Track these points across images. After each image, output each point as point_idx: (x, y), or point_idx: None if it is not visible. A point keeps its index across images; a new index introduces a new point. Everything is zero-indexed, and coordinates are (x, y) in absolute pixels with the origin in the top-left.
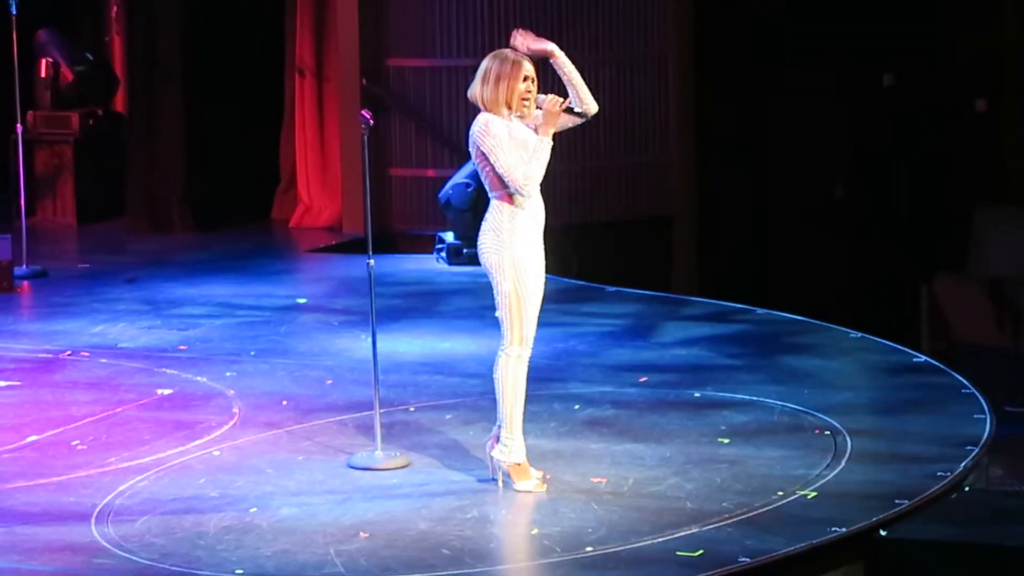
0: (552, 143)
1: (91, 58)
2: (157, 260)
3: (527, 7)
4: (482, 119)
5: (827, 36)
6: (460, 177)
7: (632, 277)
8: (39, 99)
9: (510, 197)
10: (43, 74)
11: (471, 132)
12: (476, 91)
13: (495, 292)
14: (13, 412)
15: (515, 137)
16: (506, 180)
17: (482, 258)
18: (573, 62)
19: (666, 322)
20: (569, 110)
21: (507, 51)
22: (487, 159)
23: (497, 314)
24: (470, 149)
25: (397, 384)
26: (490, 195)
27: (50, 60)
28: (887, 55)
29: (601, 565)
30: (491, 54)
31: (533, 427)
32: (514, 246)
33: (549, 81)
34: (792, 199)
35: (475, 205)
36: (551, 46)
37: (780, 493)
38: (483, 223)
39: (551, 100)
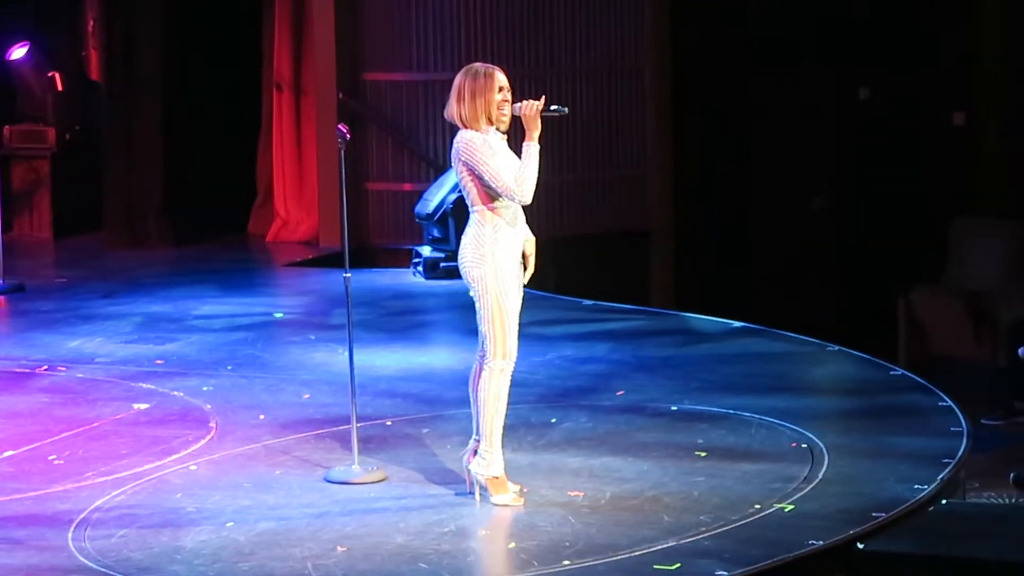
0: (540, 147)
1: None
2: (134, 274)
3: (504, 21)
4: (466, 136)
5: (804, 49)
6: (450, 191)
7: (609, 290)
8: (58, 114)
9: (493, 210)
10: (60, 87)
11: (455, 149)
12: (453, 110)
13: (477, 306)
14: None
15: (496, 152)
16: (497, 187)
17: (463, 272)
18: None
19: (643, 335)
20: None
21: (477, 65)
22: (473, 173)
23: (481, 328)
24: (454, 165)
25: (374, 398)
26: (471, 210)
27: (59, 74)
28: (864, 68)
29: None
30: (462, 71)
31: (510, 440)
32: (496, 259)
33: (526, 91)
34: (770, 211)
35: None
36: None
37: (757, 506)
38: (463, 237)
39: (527, 105)
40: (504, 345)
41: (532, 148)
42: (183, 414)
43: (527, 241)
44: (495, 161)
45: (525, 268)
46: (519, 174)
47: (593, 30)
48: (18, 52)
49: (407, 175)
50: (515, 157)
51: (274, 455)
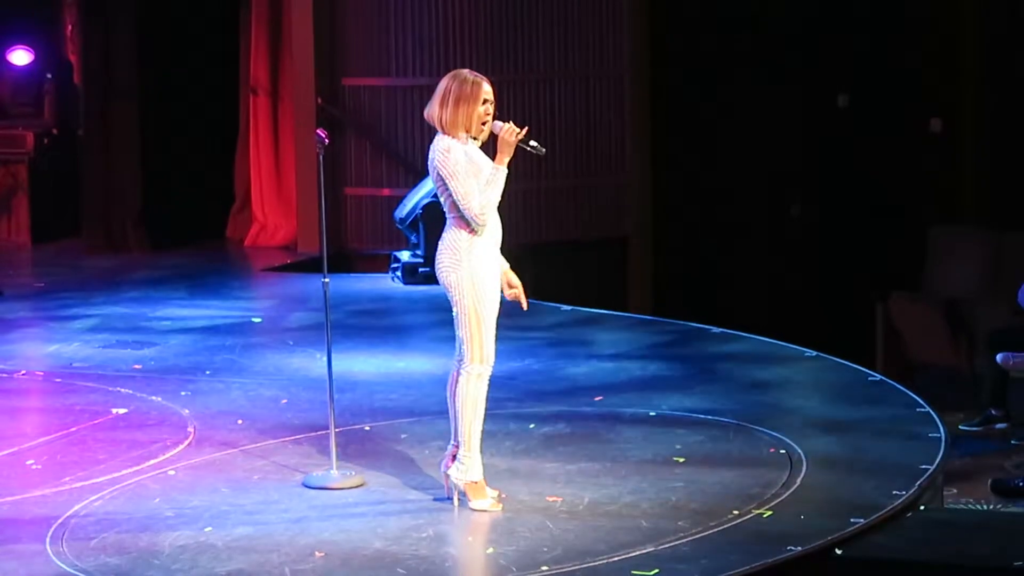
0: (507, 171)
1: None
2: (112, 279)
3: (483, 27)
4: (442, 145)
5: (783, 57)
6: (423, 197)
7: (587, 296)
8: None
9: (467, 222)
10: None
11: (431, 156)
12: (435, 112)
13: (454, 311)
14: None
15: (473, 161)
16: (462, 209)
17: (440, 277)
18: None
19: (621, 341)
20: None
21: (466, 72)
22: (446, 184)
23: (458, 333)
24: (430, 172)
25: (352, 403)
26: (447, 215)
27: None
28: (843, 76)
29: None
30: (450, 75)
31: (488, 446)
32: (472, 264)
33: (504, 108)
34: (748, 219)
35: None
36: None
37: (735, 512)
38: (440, 242)
39: (508, 129)
40: (481, 350)
41: (500, 173)
42: (161, 419)
43: (504, 271)
44: (468, 183)
45: (509, 287)
46: (483, 199)
47: (572, 36)
48: (20, 57)
49: (385, 180)
50: (490, 163)
51: (252, 460)
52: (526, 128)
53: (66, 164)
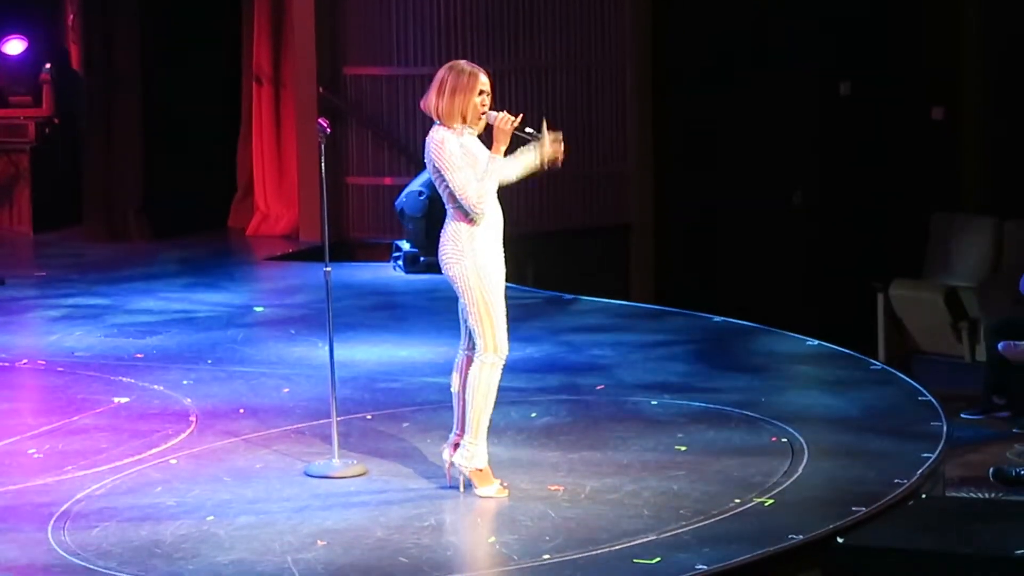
0: (503, 160)
1: None
2: (113, 268)
3: (484, 16)
4: (437, 136)
5: (785, 45)
6: (415, 185)
7: (589, 285)
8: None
9: (465, 213)
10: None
11: (427, 148)
12: (431, 102)
13: (462, 302)
14: None
15: (468, 152)
16: (460, 199)
17: (445, 270)
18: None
19: (623, 330)
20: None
21: (462, 62)
22: (443, 176)
23: (469, 323)
24: (427, 163)
25: (354, 392)
26: (447, 206)
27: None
28: (844, 64)
29: (558, 573)
30: (446, 65)
31: (490, 435)
32: (475, 255)
33: (505, 97)
34: (749, 207)
35: (429, 213)
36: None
37: (737, 501)
38: (442, 234)
39: (502, 118)
40: (494, 339)
41: (496, 164)
42: (163, 408)
43: None
44: (463, 174)
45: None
46: (480, 188)
47: (574, 26)
48: (14, 46)
49: (387, 169)
50: (487, 153)
51: (254, 449)
52: (520, 115)
53: (68, 153)
